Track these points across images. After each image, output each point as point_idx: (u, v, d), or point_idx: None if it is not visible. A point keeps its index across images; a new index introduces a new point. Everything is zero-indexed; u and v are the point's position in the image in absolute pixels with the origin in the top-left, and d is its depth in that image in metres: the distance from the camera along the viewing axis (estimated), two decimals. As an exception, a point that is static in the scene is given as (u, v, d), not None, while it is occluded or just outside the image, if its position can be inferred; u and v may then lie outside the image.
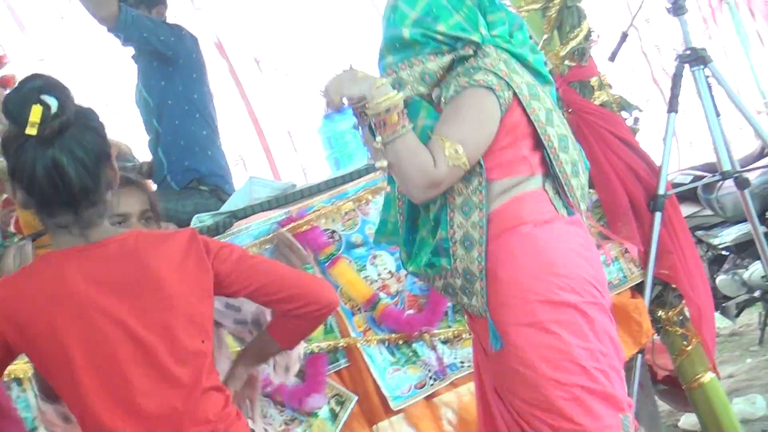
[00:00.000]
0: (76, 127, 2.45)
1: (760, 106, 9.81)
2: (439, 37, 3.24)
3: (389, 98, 3.09)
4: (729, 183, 5.45)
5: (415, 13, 3.25)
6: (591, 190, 4.84)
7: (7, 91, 2.61)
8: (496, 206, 3.24)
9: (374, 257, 4.45)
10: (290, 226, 4.27)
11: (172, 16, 7.45)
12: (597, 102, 4.96)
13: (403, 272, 4.42)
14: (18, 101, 2.43)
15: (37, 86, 2.44)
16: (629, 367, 4.79)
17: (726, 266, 6.95)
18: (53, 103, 2.41)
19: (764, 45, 9.96)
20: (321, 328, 4.06)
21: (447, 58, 3.27)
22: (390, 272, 4.46)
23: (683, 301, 4.91)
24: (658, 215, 4.82)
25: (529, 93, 3.24)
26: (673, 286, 4.91)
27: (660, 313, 4.97)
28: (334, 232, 4.39)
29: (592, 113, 4.90)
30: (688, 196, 6.71)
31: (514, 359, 3.21)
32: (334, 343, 4.30)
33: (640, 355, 4.85)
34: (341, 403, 4.22)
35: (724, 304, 7.19)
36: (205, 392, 2.58)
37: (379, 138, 3.12)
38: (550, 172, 3.31)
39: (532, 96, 3.26)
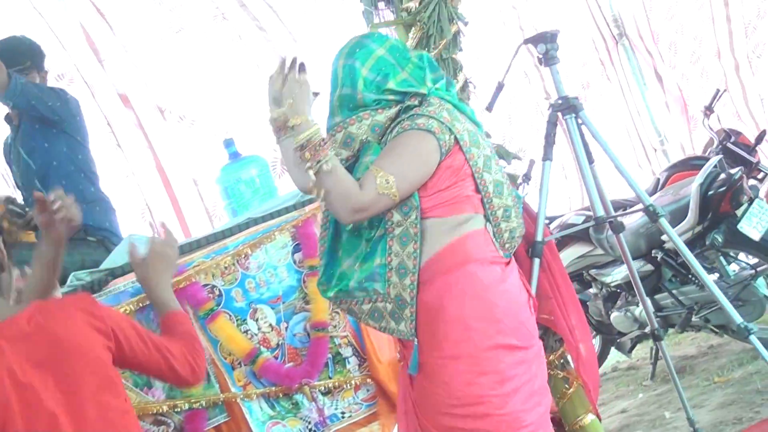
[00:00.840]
0: None
1: (656, 144, 9.81)
2: (389, 94, 3.47)
3: (309, 133, 3.22)
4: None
5: (366, 71, 3.47)
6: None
7: None
8: (445, 243, 3.40)
9: (255, 311, 4.32)
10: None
11: (75, 69, 7.30)
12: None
13: (283, 325, 4.31)
14: None
15: None
16: None
17: (619, 303, 6.90)
18: None
19: (661, 83, 9.95)
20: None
21: (394, 110, 3.48)
22: (270, 325, 4.33)
23: (564, 345, 4.79)
24: (536, 261, 4.69)
25: (469, 140, 3.47)
26: (554, 330, 4.80)
27: (542, 357, 4.86)
28: (214, 287, 4.25)
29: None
30: (581, 236, 6.68)
31: (440, 387, 3.38)
32: (213, 398, 4.16)
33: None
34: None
35: (618, 340, 7.21)
36: None
37: (307, 165, 3.23)
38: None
39: (473, 143, 3.48)
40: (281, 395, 4.26)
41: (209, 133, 7.40)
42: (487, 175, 3.50)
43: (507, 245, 3.62)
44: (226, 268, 4.25)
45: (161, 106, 7.60)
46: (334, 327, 4.39)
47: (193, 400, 4.08)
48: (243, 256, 4.31)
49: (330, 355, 4.38)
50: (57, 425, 2.39)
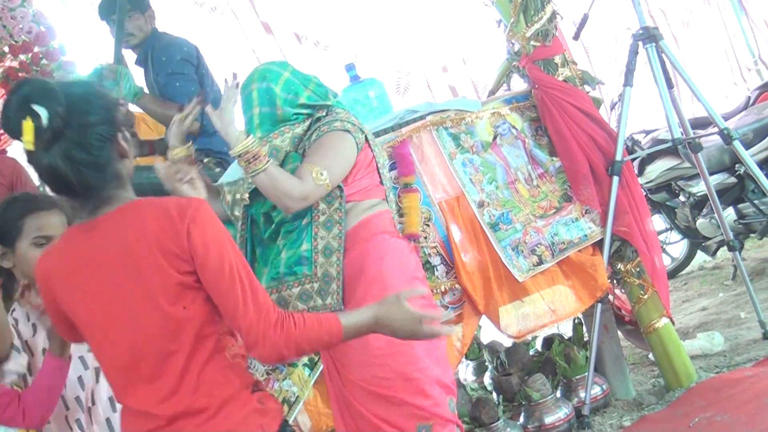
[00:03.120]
0: (71, 128, 2.12)
1: (750, 64, 9.23)
2: (303, 108, 3.51)
3: (245, 144, 3.24)
4: (705, 139, 5.23)
5: (280, 91, 3.50)
6: (554, 158, 4.57)
7: None
8: (361, 219, 3.43)
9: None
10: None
11: (225, 2, 7.22)
12: (560, 78, 4.63)
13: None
14: (10, 116, 2.12)
15: (25, 96, 2.11)
16: (590, 314, 4.61)
17: (704, 210, 6.54)
18: (43, 113, 2.08)
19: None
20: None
21: (308, 123, 3.52)
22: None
23: (639, 256, 4.56)
24: (615, 179, 4.50)
25: (373, 140, 3.59)
26: (630, 242, 4.57)
27: (619, 266, 4.67)
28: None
29: (556, 88, 4.58)
30: (671, 150, 6.32)
31: (362, 344, 3.17)
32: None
33: (599, 304, 4.55)
34: (318, 354, 3.90)
35: (703, 244, 6.85)
36: None
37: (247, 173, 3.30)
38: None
39: (375, 143, 3.61)
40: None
41: (340, 57, 7.24)
42: (384, 170, 3.60)
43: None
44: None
45: (298, 33, 7.48)
46: (425, 239, 4.21)
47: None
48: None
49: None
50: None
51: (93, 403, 2.69)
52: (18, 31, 5.53)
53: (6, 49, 5.55)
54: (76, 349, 2.68)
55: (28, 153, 2.14)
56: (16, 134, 2.11)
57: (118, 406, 2.57)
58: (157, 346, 2.14)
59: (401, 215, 4.18)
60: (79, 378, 2.68)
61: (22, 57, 5.55)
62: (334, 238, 3.39)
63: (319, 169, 3.28)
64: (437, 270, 4.21)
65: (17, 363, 2.59)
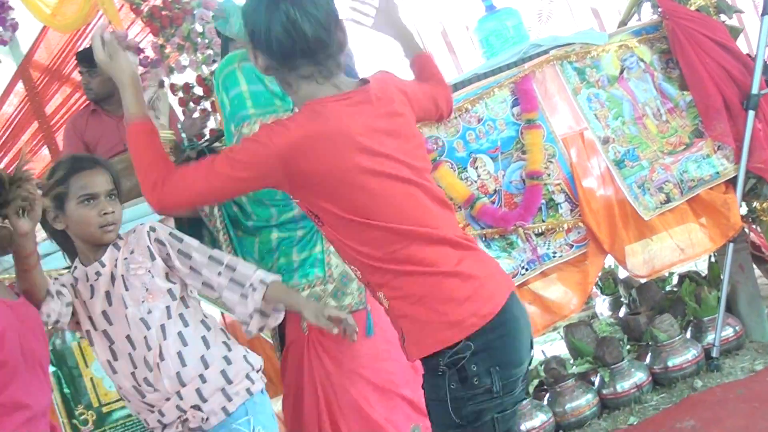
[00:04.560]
0: None
1: None
2: None
3: None
4: None
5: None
6: (685, 92, 4.34)
7: None
8: None
9: (474, 160, 4.07)
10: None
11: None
12: (693, 7, 4.37)
13: (501, 173, 4.07)
14: None
15: None
16: (723, 253, 4.40)
17: None
18: None
19: None
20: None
21: None
22: (489, 173, 4.07)
23: (774, 194, 4.31)
24: (751, 113, 4.24)
25: None
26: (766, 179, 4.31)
27: (755, 203, 4.41)
28: (437, 138, 4.01)
29: (687, 18, 4.33)
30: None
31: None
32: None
33: (732, 244, 4.32)
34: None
35: None
36: None
37: None
38: None
39: None
40: (497, 236, 4.03)
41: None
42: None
43: None
44: (449, 120, 4.00)
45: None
46: (548, 175, 4.10)
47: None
48: (464, 110, 4.05)
49: (543, 201, 4.09)
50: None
51: (162, 358, 2.71)
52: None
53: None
54: (137, 313, 2.71)
55: (262, 7, 2.22)
56: None
57: (188, 361, 2.70)
58: None
59: (524, 152, 4.07)
60: (144, 338, 2.70)
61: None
62: None
63: None
64: (561, 207, 4.10)
65: (49, 307, 2.61)
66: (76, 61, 5.12)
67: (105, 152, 4.72)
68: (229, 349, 2.80)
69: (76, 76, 5.44)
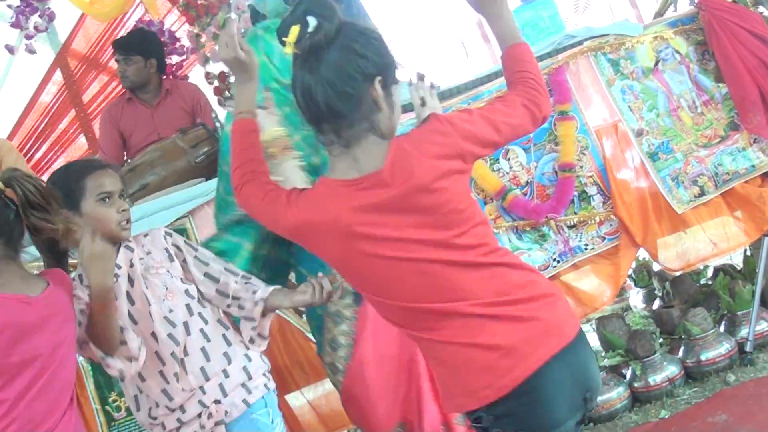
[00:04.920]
0: (333, 46, 2.11)
1: None
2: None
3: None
4: None
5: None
6: (721, 84, 4.31)
7: None
8: None
9: (507, 152, 4.06)
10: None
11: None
12: (730, -1, 4.30)
13: (533, 165, 4.05)
14: (286, 23, 2.15)
15: (305, 7, 2.14)
16: (757, 246, 4.41)
17: None
18: (312, 22, 2.11)
19: None
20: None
21: None
22: (521, 165, 4.05)
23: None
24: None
25: None
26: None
27: (792, 197, 4.38)
28: (470, 130, 4.00)
29: (724, 9, 4.31)
30: None
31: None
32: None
33: (766, 238, 4.30)
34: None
35: None
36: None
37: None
38: None
39: None
40: (528, 228, 4.02)
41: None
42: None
43: None
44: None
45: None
46: (581, 167, 4.08)
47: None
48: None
49: (576, 193, 4.07)
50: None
51: (186, 354, 2.75)
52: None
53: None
54: (160, 310, 2.74)
55: (295, 64, 2.16)
56: (282, 38, 2.14)
57: (212, 356, 2.75)
58: None
59: (556, 144, 4.05)
60: (170, 335, 2.73)
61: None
62: None
63: None
64: (593, 200, 4.09)
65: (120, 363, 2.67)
66: (112, 50, 5.17)
67: (139, 141, 4.83)
68: (247, 347, 2.87)
69: (113, 64, 5.48)
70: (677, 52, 4.31)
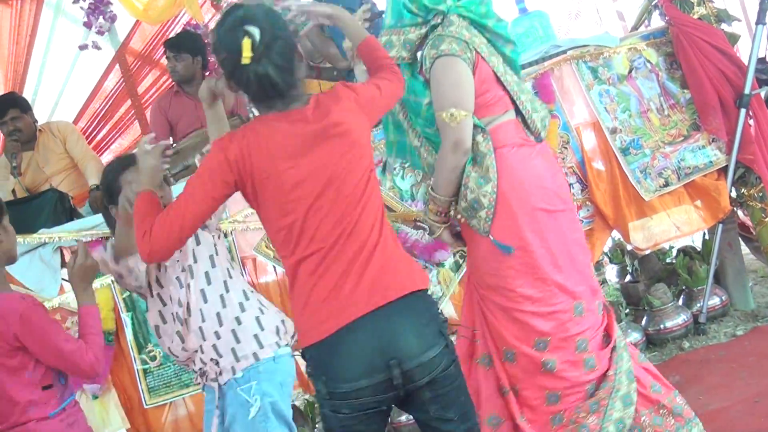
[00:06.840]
0: (273, 41, 2.44)
1: None
2: (414, 8, 3.24)
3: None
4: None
5: None
6: (686, 90, 4.73)
7: None
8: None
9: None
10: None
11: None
12: (696, 16, 4.76)
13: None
14: (228, 37, 2.45)
15: (240, 18, 2.45)
16: (714, 231, 4.82)
17: None
18: (256, 32, 2.41)
19: None
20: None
21: (423, 30, 3.25)
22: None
23: (762, 182, 4.70)
24: (743, 111, 4.64)
25: (487, 51, 3.21)
26: (754, 169, 4.72)
27: (743, 190, 4.83)
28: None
29: (690, 26, 4.71)
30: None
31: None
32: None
33: (721, 224, 4.76)
34: (464, 257, 4.27)
35: None
36: None
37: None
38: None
39: (491, 53, 3.23)
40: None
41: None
42: (509, 77, 3.26)
43: (539, 131, 3.32)
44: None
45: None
46: (563, 159, 4.51)
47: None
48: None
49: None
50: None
51: (189, 314, 2.95)
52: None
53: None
54: (172, 272, 2.97)
55: (243, 66, 2.42)
56: (234, 52, 2.42)
57: (207, 315, 2.94)
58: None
59: (542, 138, 4.49)
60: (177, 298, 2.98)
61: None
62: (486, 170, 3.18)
63: (447, 111, 3.09)
64: (573, 188, 4.50)
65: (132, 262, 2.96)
66: (164, 49, 5.62)
67: (184, 128, 5.28)
68: (243, 310, 2.99)
69: (164, 61, 5.93)
70: (648, 61, 4.76)
